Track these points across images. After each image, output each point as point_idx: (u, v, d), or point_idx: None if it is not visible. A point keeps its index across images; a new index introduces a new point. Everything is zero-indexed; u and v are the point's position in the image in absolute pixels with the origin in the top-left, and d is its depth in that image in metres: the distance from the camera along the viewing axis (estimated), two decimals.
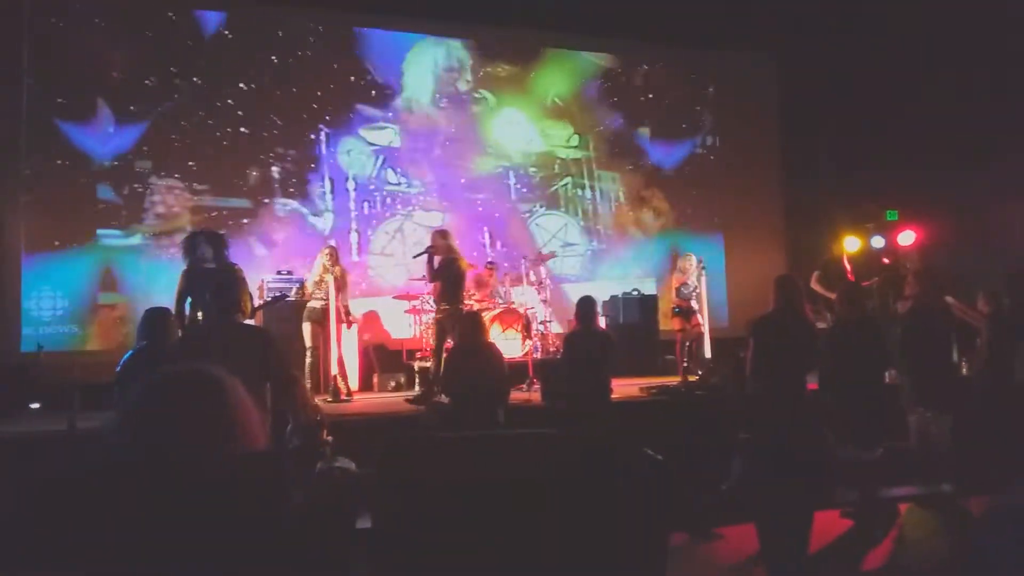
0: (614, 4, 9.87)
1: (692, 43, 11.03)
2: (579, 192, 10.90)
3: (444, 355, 6.72)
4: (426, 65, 10.36)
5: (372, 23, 10.07)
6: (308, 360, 7.20)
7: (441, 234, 7.32)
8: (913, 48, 9.52)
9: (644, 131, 11.22)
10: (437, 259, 7.11)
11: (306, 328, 7.28)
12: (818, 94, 10.71)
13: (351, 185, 9.83)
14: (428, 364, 7.97)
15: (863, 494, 5.09)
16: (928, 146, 9.51)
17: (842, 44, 10.08)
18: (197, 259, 6.12)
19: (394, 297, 9.18)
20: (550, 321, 9.07)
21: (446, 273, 7.02)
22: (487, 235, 10.24)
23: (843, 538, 4.84)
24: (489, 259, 9.43)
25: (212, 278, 5.12)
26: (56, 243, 8.49)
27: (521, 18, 10.07)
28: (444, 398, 6.01)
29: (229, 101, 9.33)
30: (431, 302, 8.63)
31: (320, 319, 7.29)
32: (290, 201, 9.53)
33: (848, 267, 8.15)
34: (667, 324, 8.97)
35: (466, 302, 8.61)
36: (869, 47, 9.89)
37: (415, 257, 7.79)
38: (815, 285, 7.87)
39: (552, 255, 9.93)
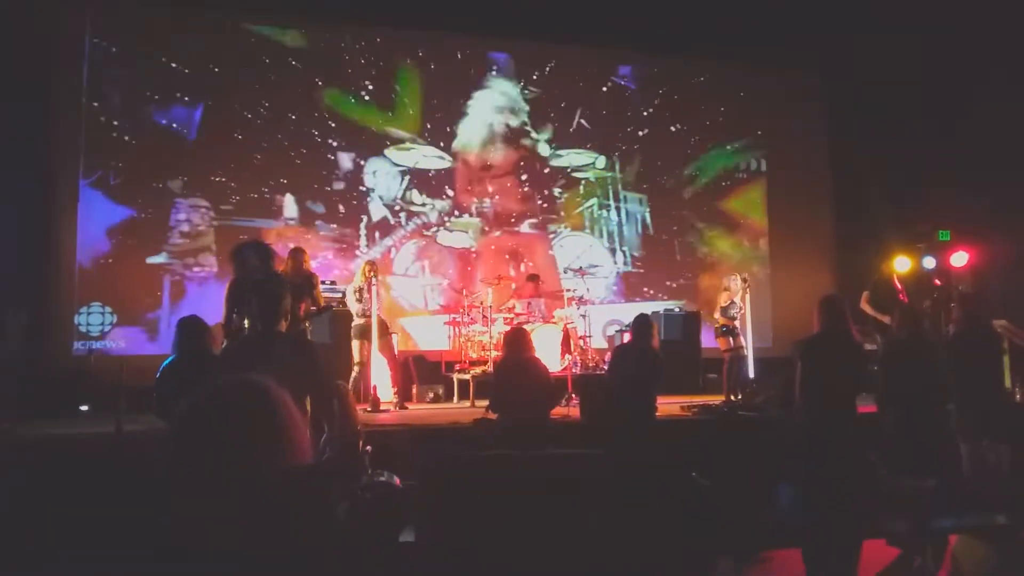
0: (661, 22, 9.81)
1: (739, 62, 10.89)
2: (604, 214, 10.77)
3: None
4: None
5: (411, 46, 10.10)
6: (355, 375, 7.28)
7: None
8: (966, 64, 9.28)
9: (681, 148, 11.09)
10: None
11: (355, 345, 7.38)
12: (867, 111, 10.51)
13: (376, 205, 9.84)
14: (466, 376, 8.08)
15: (914, 523, 4.92)
16: (982, 164, 9.24)
17: (892, 60, 9.88)
18: (245, 269, 6.19)
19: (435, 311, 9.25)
20: (590, 336, 9.00)
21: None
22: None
23: (891, 567, 4.68)
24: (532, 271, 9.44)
25: (258, 288, 5.17)
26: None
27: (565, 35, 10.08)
28: (491, 414, 5.92)
29: (257, 113, 9.41)
30: (469, 314, 8.69)
31: (367, 335, 7.38)
32: (317, 221, 9.58)
33: (899, 287, 7.94)
34: (712, 343, 8.84)
35: (507, 316, 8.65)
36: (920, 63, 9.68)
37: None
38: (865, 306, 7.69)
39: (590, 270, 9.90)
